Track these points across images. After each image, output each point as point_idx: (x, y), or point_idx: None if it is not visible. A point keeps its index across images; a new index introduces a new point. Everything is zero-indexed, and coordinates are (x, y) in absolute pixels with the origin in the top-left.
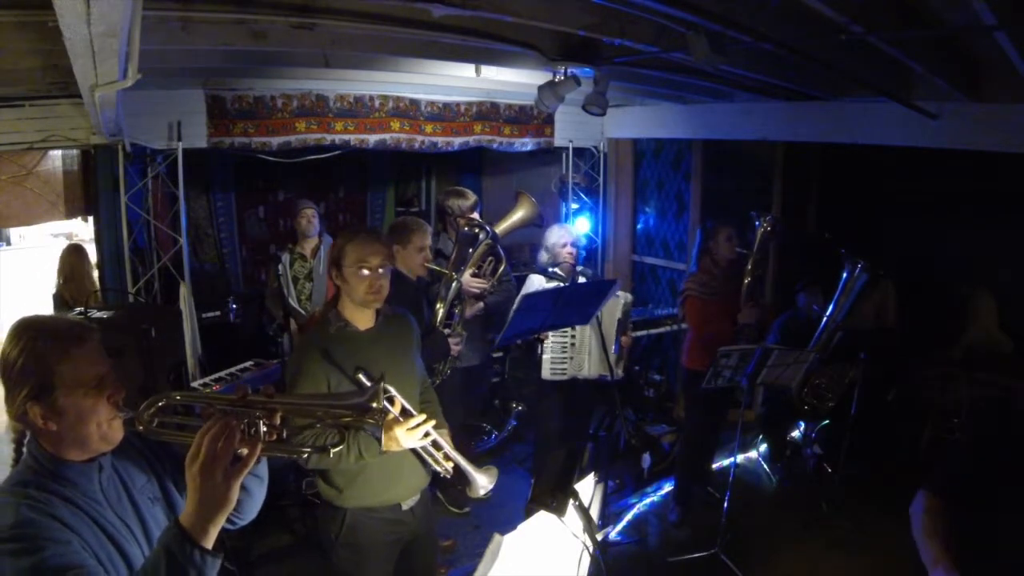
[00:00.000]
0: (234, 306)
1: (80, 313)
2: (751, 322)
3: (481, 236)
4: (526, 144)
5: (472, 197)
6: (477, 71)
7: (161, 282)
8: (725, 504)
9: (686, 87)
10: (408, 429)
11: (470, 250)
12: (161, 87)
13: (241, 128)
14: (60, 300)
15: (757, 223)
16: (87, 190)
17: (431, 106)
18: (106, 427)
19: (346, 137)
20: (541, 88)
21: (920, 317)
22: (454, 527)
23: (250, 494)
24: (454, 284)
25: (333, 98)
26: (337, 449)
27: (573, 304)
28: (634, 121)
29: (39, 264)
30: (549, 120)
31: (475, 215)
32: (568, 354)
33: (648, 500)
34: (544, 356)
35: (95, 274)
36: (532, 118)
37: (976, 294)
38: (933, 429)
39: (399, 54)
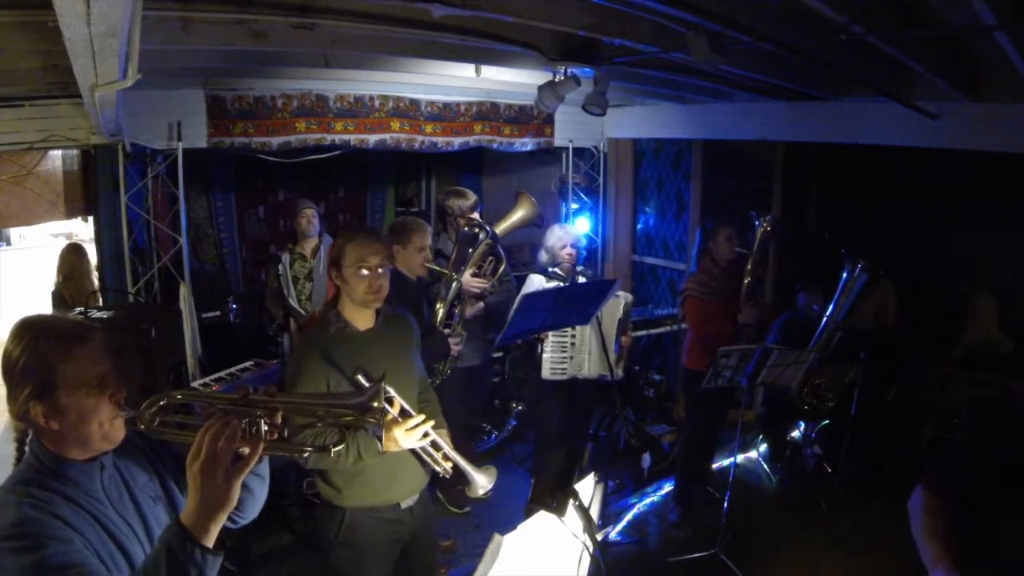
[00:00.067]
0: (234, 306)
1: (80, 313)
2: (751, 322)
3: (481, 236)
4: (526, 144)
5: (472, 197)
6: (477, 71)
7: (161, 282)
8: (725, 504)
9: (686, 87)
10: (407, 430)
11: (470, 250)
12: (161, 87)
13: (241, 128)
14: (59, 298)
15: (757, 223)
16: (87, 190)
17: (431, 106)
18: (108, 426)
19: (346, 137)
20: (541, 88)
21: (920, 317)
22: (454, 527)
23: (252, 493)
24: (454, 284)
25: (333, 98)
26: (337, 448)
27: (573, 304)
28: (634, 121)
29: (39, 264)
30: (549, 120)
31: (475, 215)
32: (568, 354)
33: (648, 500)
34: (544, 356)
35: (94, 274)
36: (532, 118)
37: (976, 294)
38: (933, 429)
39: (399, 54)
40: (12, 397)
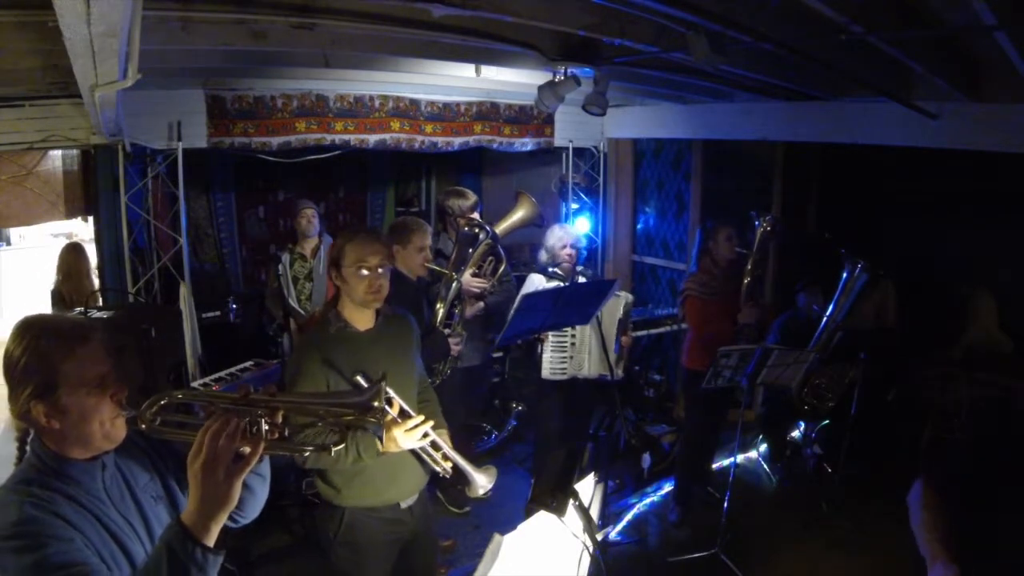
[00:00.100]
0: (234, 306)
1: (80, 313)
2: (751, 322)
3: (481, 236)
4: (526, 144)
5: (472, 197)
6: (477, 71)
7: (161, 282)
8: (725, 504)
9: (686, 87)
10: (406, 430)
11: (470, 250)
12: (161, 87)
13: (241, 128)
14: (58, 296)
15: (757, 223)
16: (87, 190)
17: (431, 106)
18: (109, 425)
19: (346, 137)
20: (541, 88)
21: (920, 317)
22: (454, 527)
23: (253, 492)
24: (454, 284)
25: (333, 98)
26: (338, 448)
27: (573, 304)
28: (634, 121)
29: (39, 264)
30: (549, 120)
31: (475, 215)
32: (568, 354)
33: (648, 500)
34: (544, 356)
35: (94, 273)
36: (532, 118)
37: (976, 294)
38: (933, 429)
39: (399, 54)
40: (13, 396)
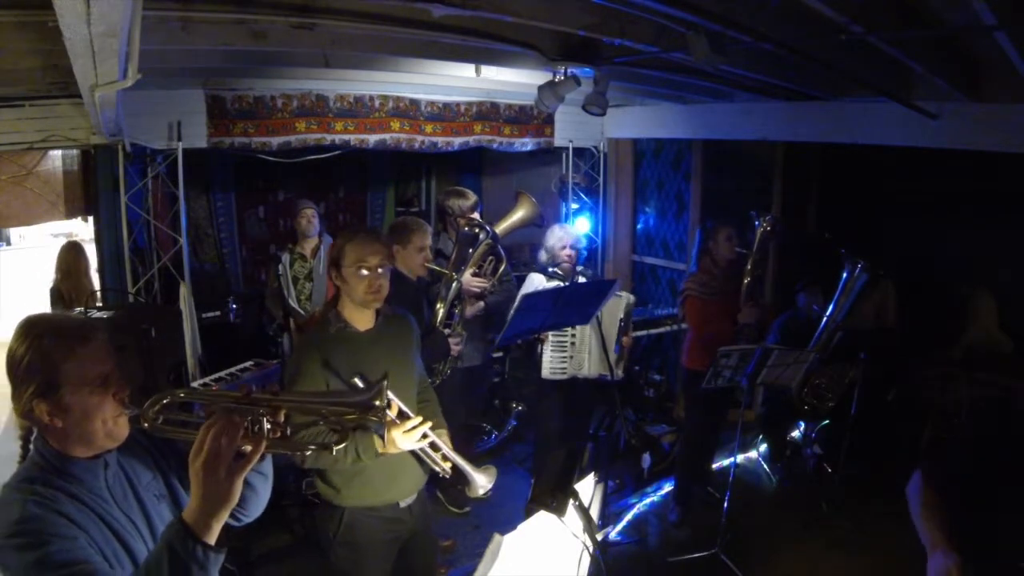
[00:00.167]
0: (234, 306)
1: (80, 313)
2: (751, 322)
3: (481, 236)
4: (526, 144)
5: (472, 197)
6: (477, 71)
7: (161, 282)
8: (725, 504)
9: (686, 87)
10: (405, 431)
11: (470, 250)
12: (161, 87)
13: (241, 128)
14: (57, 295)
15: (757, 223)
16: (87, 190)
17: (431, 106)
18: (111, 424)
19: (346, 137)
20: (541, 88)
21: (920, 317)
22: (454, 527)
23: (255, 491)
24: (454, 284)
25: (333, 98)
26: (339, 447)
27: (573, 304)
28: (634, 121)
29: (39, 264)
30: (549, 120)
31: (475, 215)
32: (568, 353)
33: (648, 500)
34: (544, 356)
35: (93, 272)
36: (532, 118)
37: (976, 294)
38: (933, 429)
39: (399, 54)
40: (16, 395)
